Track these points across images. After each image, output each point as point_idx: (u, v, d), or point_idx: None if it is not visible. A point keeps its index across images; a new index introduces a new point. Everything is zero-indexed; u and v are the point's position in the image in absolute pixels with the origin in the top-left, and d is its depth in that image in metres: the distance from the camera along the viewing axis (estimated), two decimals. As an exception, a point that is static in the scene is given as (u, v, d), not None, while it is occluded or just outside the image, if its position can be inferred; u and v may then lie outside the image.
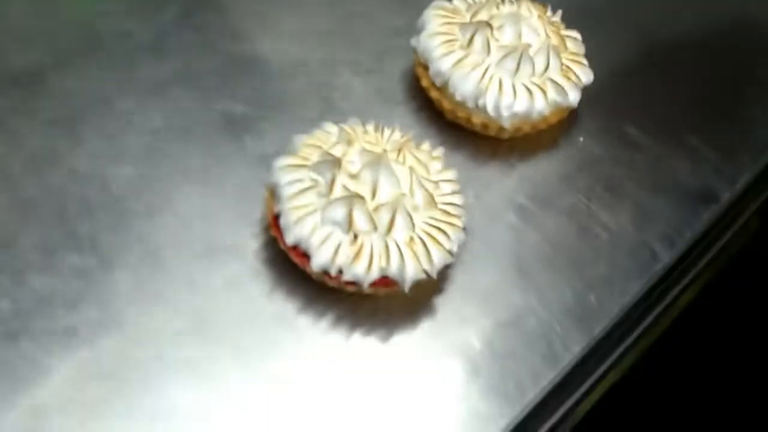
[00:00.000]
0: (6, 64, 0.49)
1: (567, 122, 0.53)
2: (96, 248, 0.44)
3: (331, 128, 0.46)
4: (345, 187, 0.43)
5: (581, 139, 0.53)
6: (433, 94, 0.51)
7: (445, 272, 0.44)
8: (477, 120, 0.51)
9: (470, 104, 0.50)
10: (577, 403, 0.47)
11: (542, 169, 0.51)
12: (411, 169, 0.44)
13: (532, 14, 0.52)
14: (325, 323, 0.44)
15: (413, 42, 0.52)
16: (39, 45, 0.51)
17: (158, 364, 0.41)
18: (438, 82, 0.51)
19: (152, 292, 0.43)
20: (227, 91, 0.51)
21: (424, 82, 0.52)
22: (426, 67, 0.52)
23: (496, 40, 0.51)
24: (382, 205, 0.43)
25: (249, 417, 0.41)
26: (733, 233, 0.57)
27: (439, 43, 0.51)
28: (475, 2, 0.53)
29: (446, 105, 0.51)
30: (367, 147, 0.45)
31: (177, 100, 0.50)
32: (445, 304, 0.45)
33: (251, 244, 0.45)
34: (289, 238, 0.43)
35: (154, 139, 0.49)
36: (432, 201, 0.44)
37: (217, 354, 0.42)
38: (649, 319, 0.51)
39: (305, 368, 0.43)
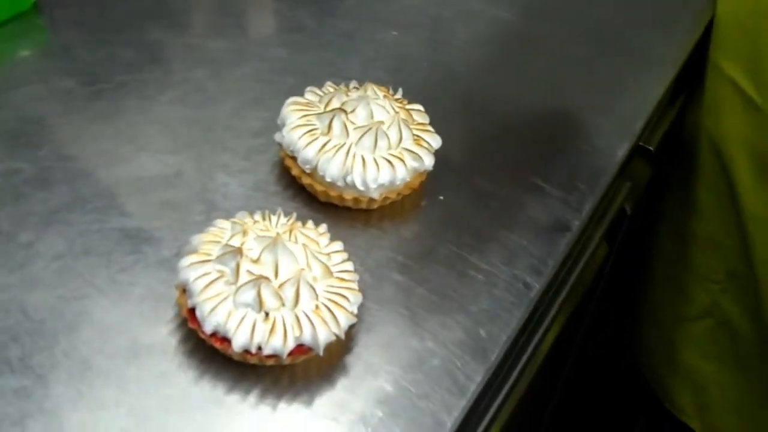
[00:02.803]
0: None
1: (426, 184, 0.57)
2: (29, 369, 0.45)
3: (224, 223, 0.49)
4: (249, 272, 0.46)
5: (441, 197, 0.57)
6: (305, 180, 0.55)
7: (349, 332, 0.47)
8: (348, 196, 0.54)
9: (340, 183, 0.54)
10: (489, 425, 0.52)
11: (413, 228, 0.55)
12: (304, 246, 0.48)
13: (378, 95, 0.56)
14: (252, 398, 0.46)
15: (277, 137, 0.56)
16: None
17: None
18: (307, 169, 0.54)
19: (91, 398, 0.45)
20: (117, 209, 0.53)
21: (295, 171, 0.55)
22: (293, 158, 0.55)
23: (352, 122, 0.54)
24: (286, 281, 0.46)
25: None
26: (588, 257, 0.63)
27: (302, 134, 0.55)
28: (324, 93, 0.57)
29: (318, 188, 0.54)
30: (261, 234, 0.48)
31: (73, 224, 0.52)
32: (355, 360, 0.48)
33: (171, 340, 0.47)
34: (208, 327, 0.45)
35: (60, 262, 0.50)
36: (328, 271, 0.48)
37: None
38: (535, 340, 0.56)
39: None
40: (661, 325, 0.84)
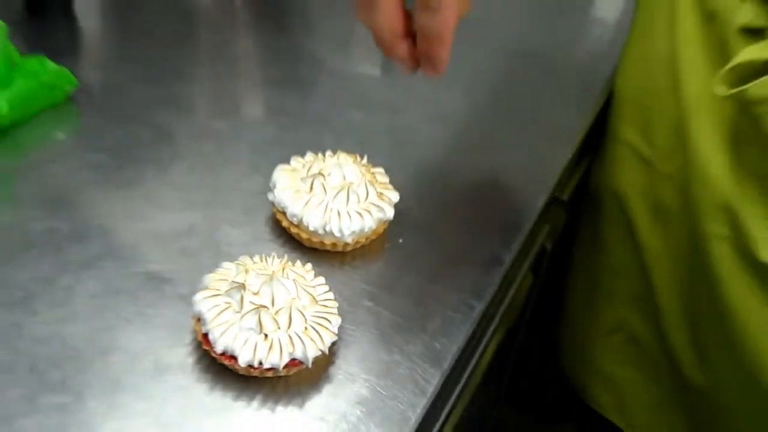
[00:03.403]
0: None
1: (388, 230, 0.57)
2: (68, 388, 0.45)
3: (230, 265, 0.50)
4: (251, 303, 0.46)
5: (401, 240, 0.57)
6: (293, 230, 0.55)
7: (332, 348, 0.48)
8: (327, 242, 0.55)
9: (320, 232, 0.54)
10: (444, 423, 0.52)
11: (380, 265, 0.55)
12: (294, 281, 0.48)
13: (348, 162, 0.56)
14: (255, 403, 0.46)
15: (270, 197, 0.56)
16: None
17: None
18: (294, 221, 0.54)
19: (121, 409, 0.44)
20: (141, 257, 0.53)
21: (285, 223, 0.55)
22: (283, 213, 0.55)
23: (330, 183, 0.55)
24: (280, 309, 0.47)
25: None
26: (518, 284, 0.64)
27: (290, 194, 0.55)
28: (306, 161, 0.58)
29: (304, 235, 0.55)
30: (260, 272, 0.48)
31: (105, 270, 0.51)
32: (337, 370, 0.48)
33: (188, 359, 0.47)
34: (219, 348, 0.46)
35: (95, 300, 0.50)
36: (314, 300, 0.48)
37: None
38: (479, 350, 0.57)
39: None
40: (580, 340, 0.84)
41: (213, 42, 0.76)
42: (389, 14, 0.47)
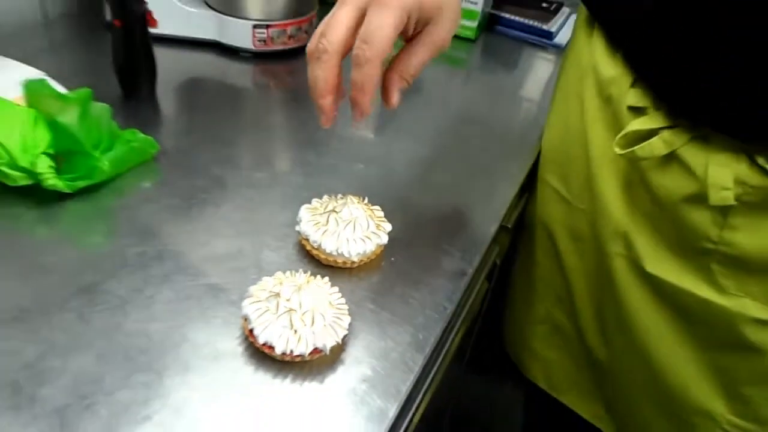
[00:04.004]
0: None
1: (384, 252, 0.56)
2: (151, 369, 0.44)
3: (268, 279, 0.49)
4: (285, 307, 0.46)
5: (393, 259, 0.56)
6: (314, 252, 0.54)
7: (343, 340, 0.47)
8: (339, 261, 0.53)
9: (334, 254, 0.53)
10: (426, 391, 0.51)
11: (378, 278, 0.54)
12: (316, 288, 0.48)
13: (354, 201, 0.56)
14: (287, 381, 0.45)
15: (297, 228, 0.55)
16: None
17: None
18: (315, 246, 0.54)
19: (189, 385, 0.43)
20: (204, 273, 0.51)
21: (308, 247, 0.54)
22: (307, 239, 0.54)
23: (341, 217, 0.54)
24: (306, 311, 0.46)
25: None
26: (477, 289, 0.64)
27: (312, 225, 0.54)
28: (323, 202, 0.56)
29: (322, 256, 0.54)
30: (290, 284, 0.47)
31: (178, 283, 0.50)
32: (347, 356, 0.47)
33: (239, 349, 0.46)
34: (261, 340, 0.45)
35: (170, 305, 0.48)
36: (331, 304, 0.47)
37: (241, 408, 0.43)
38: (450, 338, 0.56)
39: (284, 402, 0.44)
40: (519, 328, 0.82)
41: (253, 115, 0.75)
42: (329, 70, 0.46)
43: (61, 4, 0.87)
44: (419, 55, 0.48)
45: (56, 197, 0.56)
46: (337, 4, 0.47)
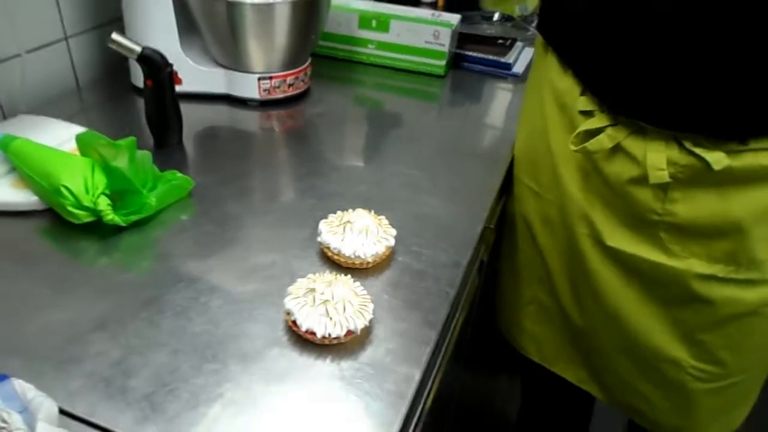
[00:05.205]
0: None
1: (392, 253, 0.61)
2: (217, 360, 0.49)
3: (302, 280, 0.53)
4: (320, 299, 0.51)
5: (400, 258, 0.60)
6: (335, 257, 0.58)
7: (370, 323, 0.52)
8: (357, 262, 0.58)
9: (353, 257, 0.58)
10: (439, 366, 0.56)
11: (389, 273, 0.58)
12: (344, 283, 0.53)
13: (363, 213, 0.60)
14: (329, 359, 0.50)
15: (318, 239, 0.59)
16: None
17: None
18: (335, 251, 0.58)
19: (249, 369, 0.48)
20: (246, 281, 0.56)
21: (329, 254, 0.59)
22: (328, 248, 0.59)
23: (354, 227, 0.58)
24: (338, 302, 0.51)
25: (299, 396, 0.46)
26: (471, 279, 0.68)
27: (331, 235, 0.59)
28: (338, 215, 0.61)
29: (342, 259, 0.58)
30: (321, 282, 0.52)
31: (225, 290, 0.55)
32: (373, 337, 0.52)
33: (284, 338, 0.52)
34: (303, 328, 0.50)
35: (223, 308, 0.53)
36: (356, 294, 0.52)
37: (293, 384, 0.48)
38: (455, 318, 0.61)
39: (327, 377, 0.48)
40: (510, 310, 0.85)
41: (263, 154, 0.80)
42: None
43: (91, 71, 0.93)
44: None
45: (113, 231, 0.62)
46: None
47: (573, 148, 0.63)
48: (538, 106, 0.71)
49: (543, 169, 0.72)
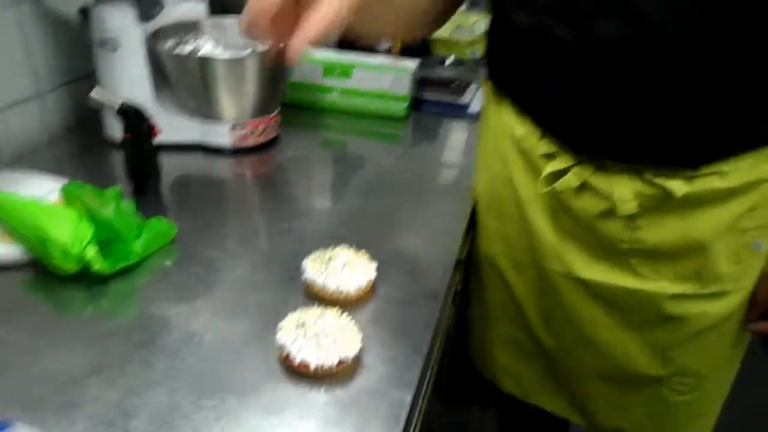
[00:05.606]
0: None
1: (374, 286, 0.63)
2: (215, 396, 0.50)
3: (293, 314, 0.55)
4: (312, 332, 0.52)
5: (380, 288, 0.62)
6: (320, 293, 0.60)
7: (359, 352, 0.53)
8: (342, 296, 0.60)
9: (337, 292, 0.59)
10: (426, 390, 0.58)
11: (373, 304, 0.60)
12: (332, 315, 0.54)
13: (344, 249, 0.62)
14: (323, 389, 0.51)
15: (303, 277, 0.61)
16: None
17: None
18: (321, 287, 0.60)
19: (247, 403, 0.49)
20: (239, 317, 0.57)
21: (314, 290, 0.60)
22: (313, 284, 0.60)
23: (337, 262, 0.60)
24: (328, 334, 0.52)
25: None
26: (448, 310, 0.70)
27: (316, 272, 0.61)
28: (321, 253, 0.63)
29: (327, 295, 0.60)
30: (311, 315, 0.54)
31: (217, 329, 0.56)
32: (363, 365, 0.54)
33: (279, 371, 0.53)
34: (297, 361, 0.51)
35: (216, 345, 0.54)
36: (345, 326, 0.54)
37: (290, 415, 0.49)
38: (434, 354, 0.62)
39: (322, 406, 0.49)
40: (486, 347, 0.85)
41: (240, 199, 0.82)
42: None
43: (64, 124, 0.94)
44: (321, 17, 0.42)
45: (99, 279, 0.63)
46: None
47: (543, 190, 0.64)
48: (498, 153, 0.72)
49: (509, 213, 0.73)
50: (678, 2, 0.52)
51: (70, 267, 0.61)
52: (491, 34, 0.72)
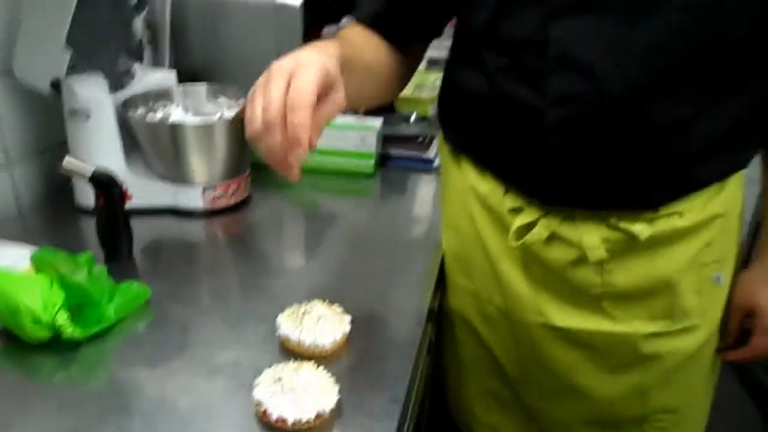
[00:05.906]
0: None
1: (349, 338, 0.63)
2: None
3: (269, 370, 0.54)
4: (288, 387, 0.52)
5: (357, 341, 0.62)
6: (296, 348, 0.60)
7: (337, 404, 0.53)
8: (317, 351, 0.60)
9: (312, 346, 0.59)
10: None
11: (347, 357, 0.61)
12: (308, 369, 0.54)
13: (318, 304, 0.63)
14: None
15: (277, 333, 0.61)
16: None
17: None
18: (296, 343, 0.60)
19: None
20: (213, 383, 0.57)
21: (289, 346, 0.60)
22: (287, 339, 0.60)
23: (311, 317, 0.60)
24: (305, 388, 0.52)
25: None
26: (421, 365, 0.69)
27: (291, 328, 0.61)
28: (294, 309, 0.63)
29: (302, 350, 0.60)
30: (287, 370, 0.54)
31: (194, 389, 0.56)
32: (342, 416, 0.53)
33: (257, 427, 0.52)
34: (274, 416, 0.52)
35: (188, 399, 0.54)
36: (322, 379, 0.54)
37: None
38: (411, 403, 0.62)
39: None
40: (463, 399, 0.84)
41: (213, 260, 0.82)
42: (306, 117, 0.46)
43: (33, 194, 0.94)
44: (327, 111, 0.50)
45: (70, 345, 0.62)
46: (265, 78, 0.47)
47: (514, 245, 0.65)
48: (464, 211, 0.72)
49: (478, 269, 0.73)
50: (620, 61, 0.56)
51: (43, 335, 0.60)
52: (443, 96, 0.74)
